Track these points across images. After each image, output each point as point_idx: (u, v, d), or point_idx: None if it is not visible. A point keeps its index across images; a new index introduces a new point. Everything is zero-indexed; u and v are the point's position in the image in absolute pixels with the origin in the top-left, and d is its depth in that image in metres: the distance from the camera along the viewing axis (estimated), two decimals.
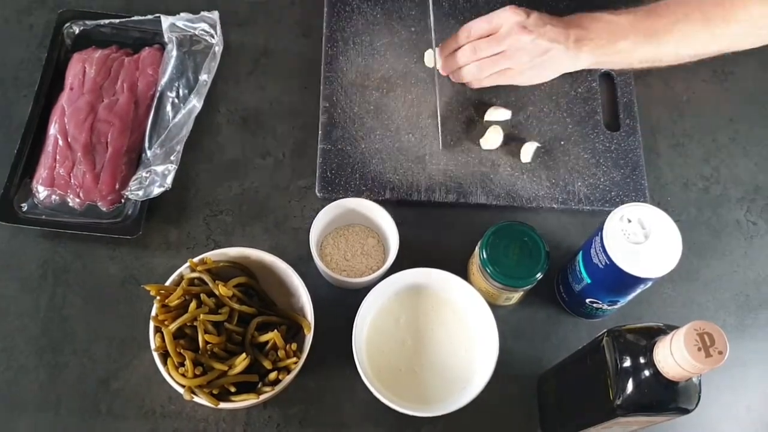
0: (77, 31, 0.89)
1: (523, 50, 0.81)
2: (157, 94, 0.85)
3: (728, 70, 0.97)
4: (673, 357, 0.53)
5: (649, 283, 0.70)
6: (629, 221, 0.69)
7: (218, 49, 0.87)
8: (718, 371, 0.52)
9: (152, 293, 0.69)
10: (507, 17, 0.81)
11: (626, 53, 0.82)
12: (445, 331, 0.76)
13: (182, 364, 0.67)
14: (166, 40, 0.88)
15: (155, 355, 0.68)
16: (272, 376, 0.69)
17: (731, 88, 0.96)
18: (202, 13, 0.88)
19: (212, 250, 0.74)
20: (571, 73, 0.91)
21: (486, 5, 0.96)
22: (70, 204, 0.81)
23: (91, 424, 0.73)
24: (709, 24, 0.81)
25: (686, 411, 0.58)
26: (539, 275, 0.73)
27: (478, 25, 0.83)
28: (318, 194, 0.84)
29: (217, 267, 0.73)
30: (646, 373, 0.57)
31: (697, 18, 0.80)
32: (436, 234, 0.84)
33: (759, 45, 0.84)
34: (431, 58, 0.90)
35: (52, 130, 0.82)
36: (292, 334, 0.73)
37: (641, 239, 0.68)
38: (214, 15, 0.88)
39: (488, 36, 0.82)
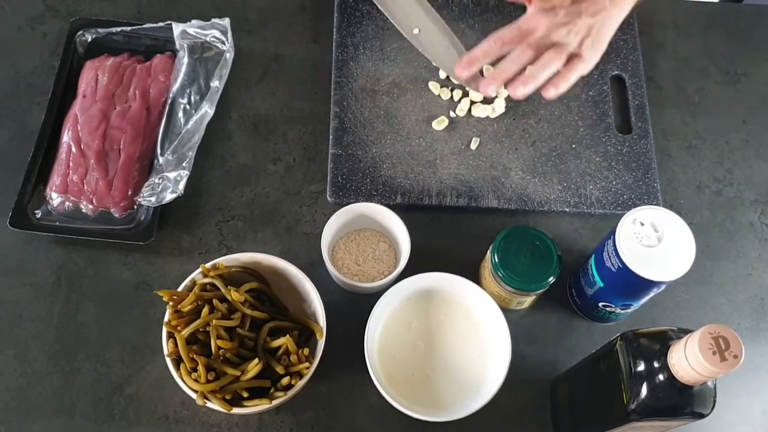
0: (90, 39, 0.90)
1: (570, 33, 0.75)
2: (169, 101, 0.86)
3: (741, 71, 0.96)
4: (687, 361, 0.52)
5: (663, 287, 0.69)
6: (642, 224, 0.69)
7: (229, 55, 0.88)
8: (733, 375, 0.52)
9: (165, 299, 0.70)
10: (538, 19, 0.76)
11: None
12: (457, 336, 0.76)
13: (195, 370, 0.67)
14: (177, 47, 0.88)
15: (168, 360, 0.68)
16: (285, 381, 0.69)
17: (744, 90, 0.95)
18: (213, 20, 0.89)
19: (224, 255, 0.74)
20: (582, 77, 0.90)
21: (496, 8, 0.96)
22: (84, 210, 0.81)
23: (104, 430, 0.73)
24: None
25: (701, 416, 0.57)
26: (551, 279, 0.73)
27: (510, 32, 0.77)
28: (329, 199, 0.84)
29: (229, 272, 0.73)
30: (661, 377, 0.56)
31: None
32: (447, 238, 0.84)
33: None
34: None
35: (66, 137, 0.82)
36: (304, 339, 0.74)
37: (654, 242, 0.68)
38: (225, 22, 0.89)
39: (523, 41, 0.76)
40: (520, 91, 0.75)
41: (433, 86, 0.90)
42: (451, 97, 0.90)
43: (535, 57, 0.76)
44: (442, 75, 0.91)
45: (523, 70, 0.77)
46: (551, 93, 0.76)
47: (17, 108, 0.88)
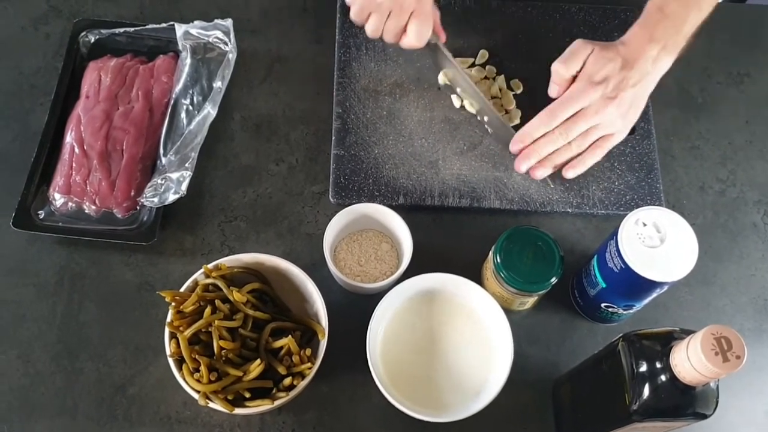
0: (92, 40, 0.90)
1: (616, 118, 0.79)
2: (172, 102, 0.86)
3: (744, 72, 0.96)
4: (690, 362, 0.52)
5: (665, 287, 0.69)
6: (644, 225, 0.68)
7: (232, 56, 0.88)
8: (736, 376, 0.52)
9: (167, 299, 0.70)
10: (590, 94, 0.78)
11: (688, 32, 0.80)
12: (459, 336, 0.76)
13: (197, 370, 0.67)
14: (180, 47, 0.88)
15: (170, 360, 0.68)
16: (287, 381, 0.69)
17: (747, 90, 0.95)
18: (216, 20, 0.89)
19: (227, 256, 0.74)
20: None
21: (498, 9, 0.96)
22: (86, 211, 0.81)
23: (107, 430, 0.74)
24: None
25: (704, 416, 0.57)
26: (554, 280, 0.72)
27: (564, 111, 0.78)
28: (331, 200, 0.84)
29: (231, 273, 0.73)
30: (663, 378, 0.56)
31: None
32: (449, 239, 0.84)
33: None
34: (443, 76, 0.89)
35: (69, 138, 0.83)
36: (306, 339, 0.74)
37: (657, 243, 0.68)
38: (228, 22, 0.89)
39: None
40: (540, 173, 0.81)
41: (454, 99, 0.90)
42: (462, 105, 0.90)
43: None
44: (441, 81, 0.91)
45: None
46: (570, 174, 0.82)
47: (20, 109, 0.88)
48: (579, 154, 0.81)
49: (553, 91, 0.81)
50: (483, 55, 0.93)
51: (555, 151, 0.80)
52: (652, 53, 0.78)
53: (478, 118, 0.88)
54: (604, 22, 0.95)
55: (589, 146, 0.81)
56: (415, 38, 0.82)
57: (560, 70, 0.80)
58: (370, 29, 0.82)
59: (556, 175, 0.82)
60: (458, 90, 0.88)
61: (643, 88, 0.80)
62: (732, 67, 0.96)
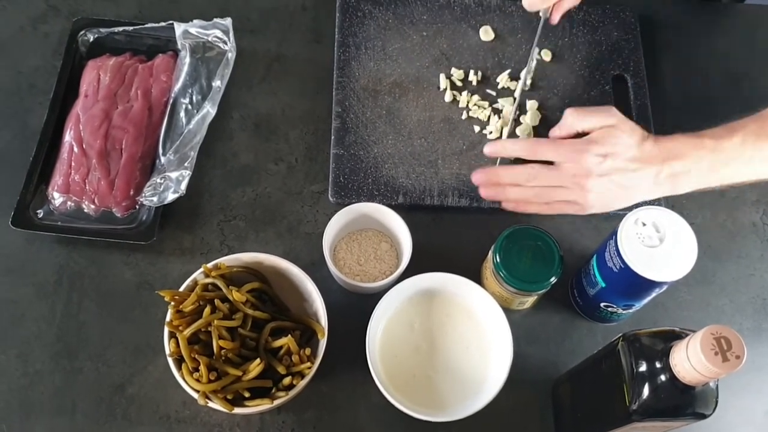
0: (91, 39, 0.90)
1: (590, 192, 0.72)
2: (171, 101, 0.86)
3: (743, 71, 0.96)
4: (689, 361, 0.52)
5: (665, 287, 0.69)
6: (644, 224, 0.68)
7: (231, 55, 0.88)
8: (735, 375, 0.52)
9: (167, 299, 0.70)
10: (582, 159, 0.71)
11: (729, 179, 0.72)
12: (459, 336, 0.76)
13: (197, 370, 0.67)
14: (179, 46, 0.88)
15: (170, 360, 0.68)
16: (286, 381, 0.69)
17: (746, 90, 0.95)
18: (215, 19, 0.89)
19: (226, 255, 0.74)
20: (584, 77, 0.90)
21: (498, 8, 0.96)
22: (85, 210, 0.81)
23: (106, 429, 0.73)
24: None
25: (703, 416, 0.57)
26: (553, 279, 0.72)
27: (546, 153, 0.73)
28: (331, 199, 0.84)
29: (230, 272, 0.73)
30: (662, 377, 0.56)
31: None
32: (449, 238, 0.84)
33: None
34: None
35: (68, 137, 0.83)
36: (305, 339, 0.73)
37: (656, 242, 0.68)
38: (227, 21, 0.89)
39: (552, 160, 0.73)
40: (486, 194, 0.77)
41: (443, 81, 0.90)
42: (454, 99, 0.90)
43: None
44: (443, 84, 0.91)
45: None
46: (507, 207, 0.77)
47: (19, 108, 0.88)
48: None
49: (554, 132, 0.78)
50: (487, 32, 0.94)
51: (511, 185, 0.76)
52: (671, 169, 0.71)
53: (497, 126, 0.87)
54: (603, 21, 0.96)
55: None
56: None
57: (570, 119, 0.75)
58: None
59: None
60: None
61: (634, 192, 0.73)
62: (731, 67, 0.96)
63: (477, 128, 0.88)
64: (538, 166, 0.74)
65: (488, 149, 0.78)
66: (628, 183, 0.72)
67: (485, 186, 0.77)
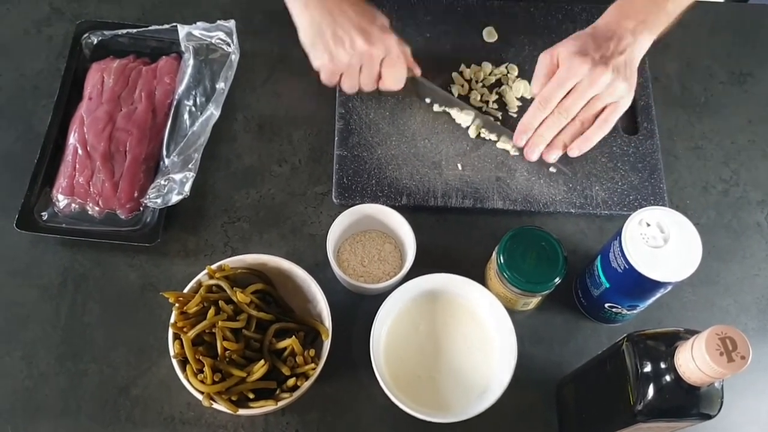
0: (95, 42, 0.90)
1: (615, 82, 0.76)
2: (175, 103, 0.86)
3: (746, 71, 0.96)
4: (694, 362, 0.52)
5: (669, 287, 0.69)
6: (648, 225, 0.68)
7: (234, 57, 0.88)
8: (740, 375, 0.52)
9: (171, 300, 0.70)
10: (578, 69, 0.76)
11: (672, 11, 0.80)
12: (463, 337, 0.75)
13: (201, 371, 0.67)
14: (183, 49, 0.89)
15: (174, 361, 0.68)
16: (290, 382, 0.69)
17: (750, 90, 0.95)
18: (219, 22, 0.89)
19: (230, 257, 0.74)
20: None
21: (501, 10, 0.96)
22: (90, 212, 0.81)
23: (110, 431, 0.74)
24: None
25: (708, 417, 0.57)
26: (557, 280, 0.72)
27: (557, 92, 0.77)
28: (334, 200, 0.84)
29: (234, 274, 0.73)
30: (667, 378, 0.56)
31: None
32: (452, 239, 0.84)
33: None
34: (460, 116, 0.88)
35: (72, 139, 0.83)
36: (309, 340, 0.74)
37: (660, 243, 0.68)
38: (231, 24, 0.89)
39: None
40: (553, 156, 0.81)
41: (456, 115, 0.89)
42: (460, 97, 0.90)
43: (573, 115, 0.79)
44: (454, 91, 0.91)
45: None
46: (575, 153, 0.81)
47: (23, 110, 0.88)
48: (584, 132, 0.79)
49: (536, 86, 0.80)
50: (490, 33, 0.94)
51: (562, 131, 0.79)
52: (629, 26, 0.77)
53: (481, 133, 0.87)
54: None
55: (596, 120, 0.79)
56: (392, 83, 0.83)
57: (544, 57, 0.79)
58: (347, 87, 0.83)
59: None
60: (453, 111, 0.87)
61: (630, 55, 0.78)
62: (734, 67, 0.96)
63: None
64: (562, 103, 0.78)
65: (519, 140, 0.81)
66: (621, 48, 0.77)
67: (544, 151, 0.81)
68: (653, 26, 0.79)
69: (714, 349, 0.50)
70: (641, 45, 0.79)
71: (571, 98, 0.77)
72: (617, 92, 0.78)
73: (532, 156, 0.81)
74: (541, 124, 0.79)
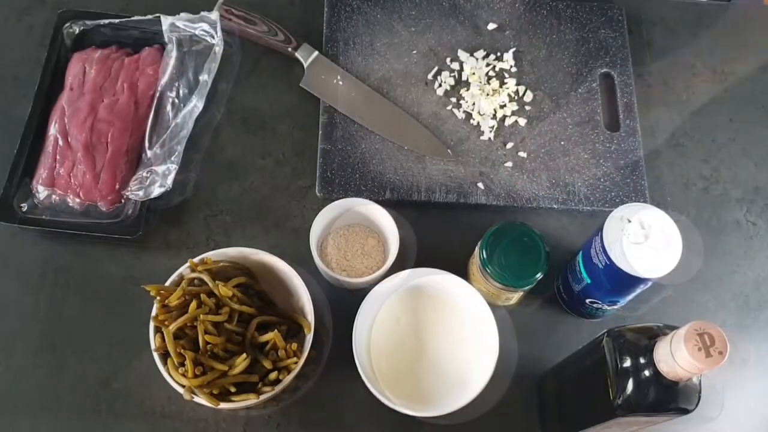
0: (77, 31, 0.89)
1: None
2: (158, 94, 0.85)
3: (728, 70, 0.97)
4: (673, 357, 0.53)
5: (649, 284, 0.70)
6: (629, 221, 0.69)
7: (218, 49, 0.87)
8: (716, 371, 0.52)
9: (152, 293, 0.69)
10: None
11: None
12: (445, 332, 0.76)
13: (182, 365, 0.67)
14: (166, 40, 0.88)
15: (155, 355, 0.68)
16: (272, 376, 0.69)
17: (731, 89, 0.96)
18: (202, 13, 0.88)
19: (212, 250, 0.74)
20: (571, 74, 0.91)
21: (486, 4, 0.96)
22: (70, 204, 0.81)
23: (91, 425, 0.73)
24: None
25: (686, 411, 0.58)
26: (539, 275, 0.73)
27: None
28: (318, 194, 0.84)
29: (217, 267, 0.73)
30: (647, 373, 0.57)
31: None
32: (436, 234, 0.84)
33: None
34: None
35: (52, 130, 0.82)
36: (292, 334, 0.73)
37: (641, 239, 0.68)
38: (214, 15, 0.88)
39: None
40: None
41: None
42: (445, 94, 0.90)
43: None
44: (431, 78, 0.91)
45: None
46: None
47: (3, 100, 0.87)
48: None
49: None
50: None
51: None
52: None
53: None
54: (591, 19, 0.96)
55: None
56: None
57: None
58: None
59: (542, 171, 0.83)
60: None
61: None
62: (717, 65, 0.97)
63: (464, 123, 0.88)
64: None
65: None
66: None
67: None
68: None
69: (692, 345, 0.51)
70: None
71: None
72: None
73: None
74: None
